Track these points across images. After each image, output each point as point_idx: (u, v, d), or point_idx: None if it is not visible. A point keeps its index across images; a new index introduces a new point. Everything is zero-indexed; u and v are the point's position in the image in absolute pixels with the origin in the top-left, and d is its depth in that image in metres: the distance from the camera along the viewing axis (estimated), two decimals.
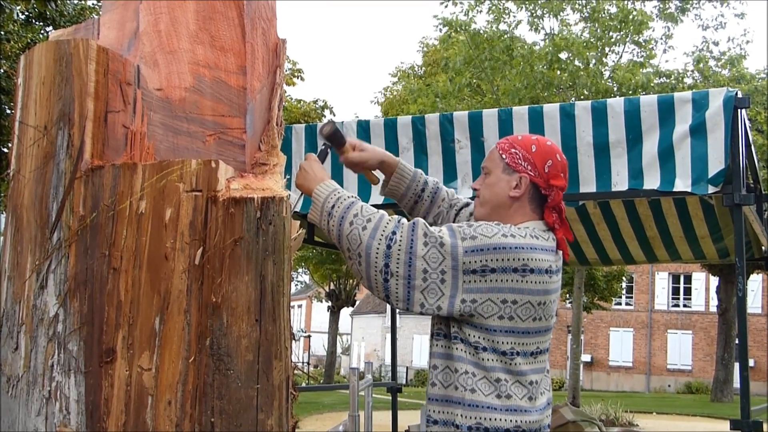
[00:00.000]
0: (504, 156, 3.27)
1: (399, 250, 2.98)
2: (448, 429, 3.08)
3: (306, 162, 3.34)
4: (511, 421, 3.01)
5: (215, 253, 2.59)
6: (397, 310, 8.99)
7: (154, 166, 2.65)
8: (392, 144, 6.60)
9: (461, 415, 3.04)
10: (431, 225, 3.25)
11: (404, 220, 3.06)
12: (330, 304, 41.48)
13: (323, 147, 3.57)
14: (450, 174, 6.43)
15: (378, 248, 2.99)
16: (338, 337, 47.93)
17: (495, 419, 3.01)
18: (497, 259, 2.99)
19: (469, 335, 3.05)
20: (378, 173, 3.76)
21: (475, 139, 6.36)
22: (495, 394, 3.01)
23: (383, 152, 3.74)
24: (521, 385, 3.05)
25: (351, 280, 38.73)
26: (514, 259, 3.01)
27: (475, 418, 3.02)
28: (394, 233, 3.00)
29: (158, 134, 2.81)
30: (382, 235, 3.00)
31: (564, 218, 3.29)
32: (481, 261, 2.98)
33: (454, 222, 3.69)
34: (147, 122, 2.79)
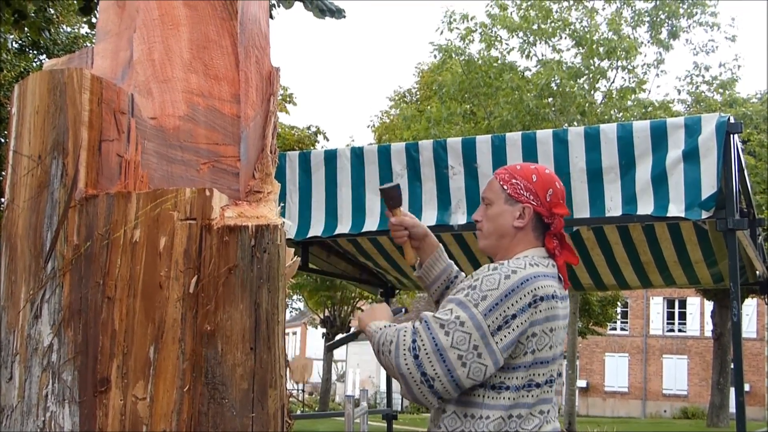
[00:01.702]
0: (505, 187, 3.29)
1: (427, 353, 2.98)
2: None
3: (378, 304, 3.46)
4: None
5: (210, 281, 2.59)
6: None
7: (149, 194, 2.65)
8: (386, 170, 6.62)
9: None
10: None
11: (417, 323, 3.07)
12: (325, 330, 41.38)
13: (402, 307, 3.61)
14: (444, 200, 6.44)
15: (407, 364, 2.99)
16: (333, 364, 47.80)
17: None
18: (512, 304, 3.01)
19: (494, 377, 3.06)
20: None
21: (468, 165, 6.38)
22: (503, 431, 3.03)
23: (427, 228, 3.77)
24: (533, 416, 3.08)
25: (345, 307, 38.66)
26: (525, 295, 3.03)
27: None
28: (414, 341, 3.00)
29: (152, 163, 2.81)
30: (404, 349, 3.01)
31: (565, 243, 3.33)
32: (501, 315, 3.00)
33: None
34: (141, 151, 2.79)
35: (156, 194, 2.65)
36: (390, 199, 3.62)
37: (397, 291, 10.60)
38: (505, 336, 2.99)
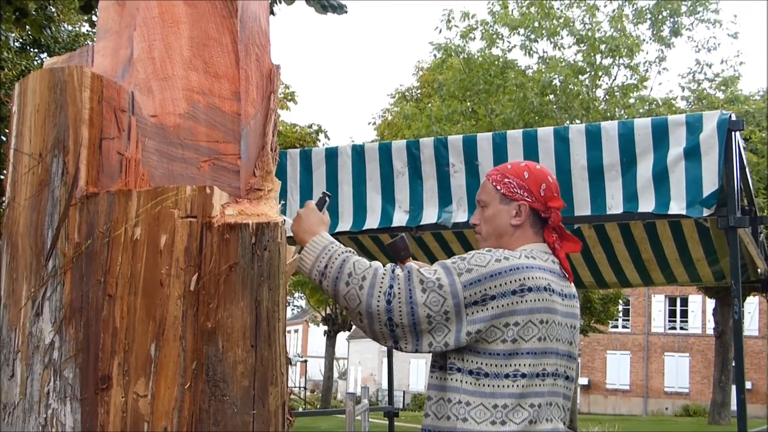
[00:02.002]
0: (499, 187, 3.31)
1: (400, 302, 3.03)
2: None
3: (303, 210, 3.36)
4: None
5: (210, 279, 2.59)
6: None
7: (149, 192, 2.65)
8: (387, 168, 6.63)
9: None
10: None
11: (398, 269, 3.11)
12: (326, 328, 41.41)
13: (322, 195, 3.57)
14: (445, 198, 6.45)
15: (378, 305, 3.04)
16: (335, 361, 47.81)
17: None
18: (495, 286, 3.03)
19: (470, 362, 3.07)
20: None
21: (469, 162, 6.39)
22: (490, 421, 3.02)
23: None
24: (522, 409, 3.04)
25: None
26: (510, 282, 3.04)
27: None
28: (391, 287, 3.05)
29: (153, 161, 2.81)
30: (380, 291, 3.05)
31: (565, 234, 3.35)
32: (480, 292, 3.03)
33: None
34: (141, 149, 2.79)
35: (157, 192, 2.65)
36: (398, 251, 3.61)
37: None
38: (477, 312, 3.02)
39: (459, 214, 6.45)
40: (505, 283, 3.03)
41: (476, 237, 3.43)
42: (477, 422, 3.02)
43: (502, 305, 3.02)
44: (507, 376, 3.04)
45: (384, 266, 3.13)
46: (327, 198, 3.55)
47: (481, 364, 3.05)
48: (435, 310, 3.01)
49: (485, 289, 3.02)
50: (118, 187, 2.72)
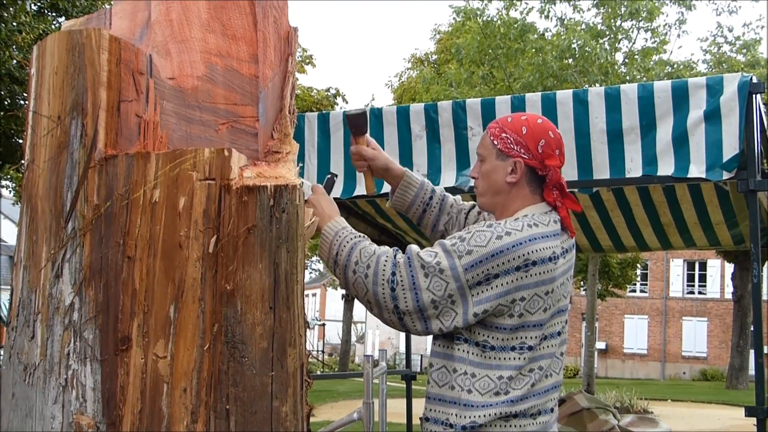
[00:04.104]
0: (496, 142, 3.25)
1: (403, 289, 3.01)
2: (443, 428, 3.10)
3: (314, 196, 3.35)
4: (503, 412, 3.02)
5: (229, 241, 2.60)
6: None
7: (168, 155, 2.66)
8: (405, 132, 6.60)
9: (455, 415, 3.06)
10: (442, 233, 3.49)
11: (399, 254, 3.08)
12: (344, 292, 41.50)
13: (329, 176, 3.57)
14: (463, 161, 6.43)
15: (383, 293, 3.03)
16: (353, 325, 47.96)
17: (489, 414, 3.02)
18: (498, 264, 2.99)
19: (478, 334, 3.06)
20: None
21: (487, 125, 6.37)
22: (494, 392, 3.02)
23: (390, 159, 3.74)
24: (523, 376, 3.05)
25: None
26: (514, 259, 3.00)
27: (470, 417, 3.03)
28: (393, 274, 3.02)
29: (171, 123, 2.81)
30: (383, 279, 3.03)
31: (566, 192, 3.27)
32: (483, 272, 2.99)
33: (464, 225, 3.69)
34: (160, 111, 2.79)
35: (175, 154, 2.66)
36: (354, 126, 3.61)
37: None
38: (482, 291, 2.99)
39: None
40: (508, 261, 2.99)
41: (475, 191, 3.40)
42: (481, 394, 3.02)
43: (507, 282, 3.00)
44: (513, 348, 3.04)
45: (386, 253, 3.09)
46: (334, 179, 3.56)
47: (488, 337, 3.04)
48: (439, 295, 2.99)
49: (488, 269, 2.99)
50: (136, 149, 2.72)
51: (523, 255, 3.00)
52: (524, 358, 3.04)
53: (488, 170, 3.27)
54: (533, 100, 6.27)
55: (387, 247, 3.13)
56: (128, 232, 2.63)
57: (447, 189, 6.41)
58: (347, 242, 3.14)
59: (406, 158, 6.55)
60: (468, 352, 3.06)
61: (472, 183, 6.30)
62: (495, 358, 3.04)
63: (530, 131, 3.21)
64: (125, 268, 2.62)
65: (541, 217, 3.16)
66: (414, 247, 3.09)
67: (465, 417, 3.03)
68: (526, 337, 3.04)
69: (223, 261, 2.60)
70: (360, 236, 3.18)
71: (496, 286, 2.99)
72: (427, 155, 6.52)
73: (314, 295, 73.86)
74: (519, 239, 3.02)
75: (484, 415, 3.00)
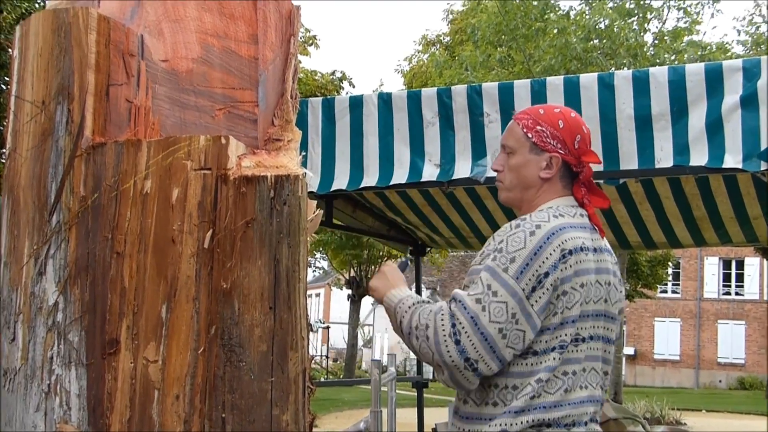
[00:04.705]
0: (530, 135, 3.29)
1: (468, 336, 3.00)
2: None
3: (386, 267, 3.47)
4: (536, 419, 3.05)
5: (226, 235, 2.61)
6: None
7: (160, 142, 2.66)
8: (416, 118, 6.60)
9: (489, 426, 3.08)
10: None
11: (452, 305, 3.08)
12: (350, 292, 41.49)
13: (405, 260, 3.69)
14: (479, 150, 6.42)
15: (449, 351, 3.02)
16: (359, 328, 47.98)
17: (522, 422, 3.05)
18: (543, 262, 3.04)
19: None
20: None
21: (505, 112, 6.34)
22: (529, 396, 3.05)
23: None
24: (556, 378, 3.08)
25: (373, 267, 38.62)
26: (553, 251, 3.06)
27: (501, 425, 3.06)
28: (453, 326, 3.02)
29: (164, 109, 2.82)
30: (445, 335, 3.03)
31: (594, 188, 3.34)
32: (533, 276, 3.04)
33: None
34: (152, 96, 2.80)
35: (168, 142, 2.66)
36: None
37: (429, 249, 10.61)
38: (540, 297, 3.02)
39: None
40: (550, 255, 3.05)
41: (497, 185, 3.43)
42: (517, 398, 3.05)
43: (556, 278, 3.05)
44: (553, 349, 3.08)
45: (442, 308, 3.10)
46: (408, 263, 3.68)
47: (533, 342, 3.07)
48: (503, 320, 3.00)
49: (536, 270, 3.03)
50: (126, 136, 2.73)
51: (559, 245, 3.07)
52: (558, 359, 3.08)
53: (519, 164, 3.32)
54: (555, 84, 6.27)
55: (442, 302, 3.16)
56: (117, 226, 2.64)
57: (461, 180, 6.44)
58: (406, 311, 3.21)
59: (418, 146, 6.55)
60: (510, 363, 3.08)
61: (489, 174, 6.32)
62: (536, 363, 3.07)
63: (567, 126, 3.29)
64: (114, 265, 2.63)
65: (567, 209, 3.24)
66: (459, 291, 3.12)
67: (497, 425, 3.06)
68: (564, 335, 3.10)
69: (219, 257, 2.61)
70: (422, 301, 3.24)
71: (549, 286, 3.04)
72: (440, 143, 6.52)
73: (318, 295, 73.79)
74: (550, 229, 3.09)
75: (518, 423, 3.04)
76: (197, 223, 2.61)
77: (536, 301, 3.02)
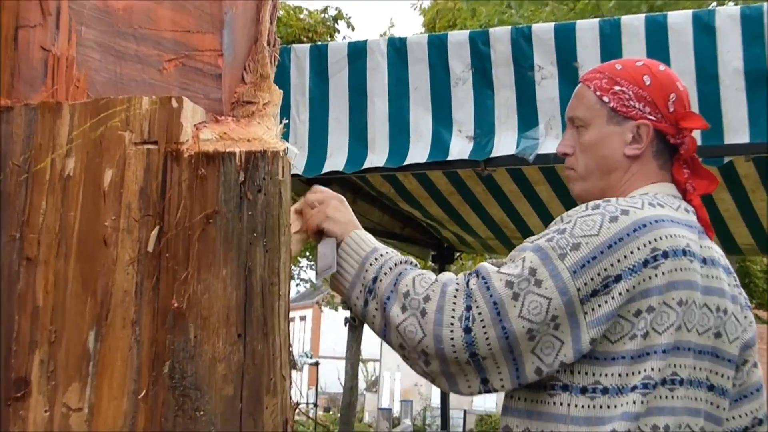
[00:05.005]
0: (606, 98, 3.26)
1: (484, 327, 2.90)
2: None
3: (316, 195, 3.32)
4: None
5: (178, 235, 2.61)
6: None
7: (88, 106, 2.67)
8: (441, 72, 6.60)
9: None
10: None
11: (473, 280, 2.99)
12: (348, 315, 41.42)
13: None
14: (528, 117, 6.40)
15: (453, 338, 2.91)
16: (361, 364, 47.88)
17: None
18: (619, 260, 2.95)
19: (584, 375, 2.99)
20: None
21: (565, 64, 6.33)
22: None
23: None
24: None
25: None
26: (639, 248, 2.97)
27: None
28: (468, 308, 2.92)
29: (93, 60, 2.82)
30: (452, 317, 2.92)
31: (700, 168, 3.29)
32: (599, 274, 2.94)
33: None
34: (76, 42, 2.80)
35: (98, 106, 2.66)
36: None
37: (458, 254, 10.62)
38: (599, 305, 2.94)
39: (549, 141, 6.37)
40: (632, 252, 2.96)
41: (567, 175, 3.40)
42: None
43: (633, 286, 2.95)
44: (634, 388, 2.96)
45: (454, 281, 3.02)
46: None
47: (600, 375, 2.97)
48: (537, 321, 2.89)
49: (606, 269, 2.94)
50: (41, 98, 2.73)
51: (650, 242, 2.98)
52: (642, 404, 2.95)
53: (595, 140, 3.28)
54: (633, 26, 6.25)
55: (452, 274, 3.09)
56: (28, 222, 2.64)
57: (503, 159, 6.44)
58: (392, 266, 3.12)
59: (442, 111, 6.55)
60: (570, 404, 3.00)
61: (542, 150, 6.30)
62: (609, 407, 2.96)
63: (656, 81, 3.24)
64: (23, 275, 2.62)
65: (667, 198, 3.19)
66: (488, 265, 3.03)
67: None
68: (650, 369, 2.97)
69: (169, 265, 2.61)
70: (410, 261, 3.18)
71: (619, 293, 2.94)
72: (473, 108, 6.52)
73: (303, 318, 73.90)
74: (642, 219, 3.02)
75: None
76: (138, 218, 2.62)
77: (592, 310, 2.93)
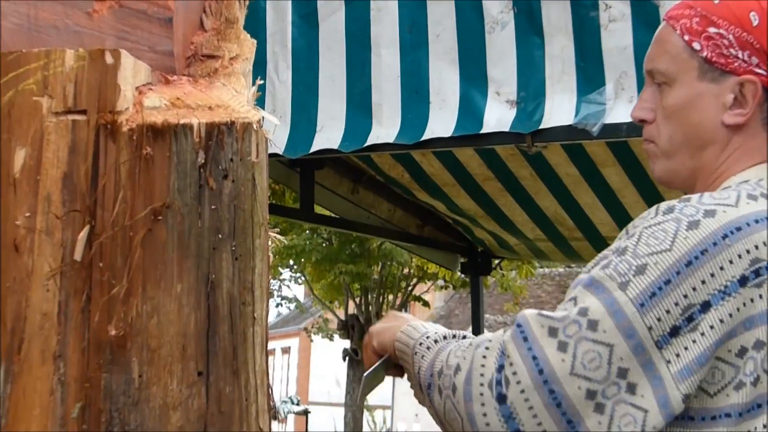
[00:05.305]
0: (696, 44, 3.13)
1: (524, 393, 2.73)
2: None
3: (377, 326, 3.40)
4: None
5: (115, 237, 2.61)
6: None
7: None
8: (472, 13, 6.58)
9: None
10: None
11: (509, 332, 2.86)
12: (349, 345, 41.34)
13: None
14: (591, 74, 6.37)
15: (486, 413, 2.78)
16: (367, 413, 47.88)
17: None
18: (703, 281, 2.78)
19: None
20: None
21: (640, 1, 6.32)
22: None
23: None
24: None
25: (389, 296, 38.48)
26: (732, 261, 2.80)
27: None
28: (501, 368, 2.78)
29: None
30: (481, 384, 2.80)
31: None
32: (676, 304, 2.76)
33: None
34: None
35: (6, 63, 2.67)
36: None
37: (497, 262, 10.60)
38: (686, 348, 2.75)
39: (620, 106, 6.34)
40: (722, 268, 2.79)
41: (646, 149, 3.30)
42: None
43: (729, 314, 2.78)
44: None
45: (487, 340, 2.90)
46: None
47: None
48: (598, 377, 2.72)
49: (686, 295, 2.76)
50: None
51: (748, 252, 2.81)
52: None
53: (681, 103, 3.16)
54: None
55: (491, 334, 2.96)
56: None
57: (557, 131, 6.43)
58: (432, 344, 3.10)
59: (474, 67, 6.54)
60: None
61: (610, 120, 6.29)
62: None
63: (765, 19, 3.11)
64: None
65: None
66: (530, 311, 2.87)
67: None
68: (757, 428, 2.85)
69: (103, 279, 2.61)
70: (459, 334, 3.16)
71: (710, 327, 2.77)
72: (516, 62, 6.51)
73: (287, 350, 73.94)
74: (735, 221, 2.84)
75: None
76: (61, 215, 2.62)
77: (677, 356, 2.75)
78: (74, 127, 2.63)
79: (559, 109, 6.34)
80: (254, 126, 2.66)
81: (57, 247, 2.61)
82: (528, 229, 9.48)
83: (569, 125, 6.26)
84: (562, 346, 2.73)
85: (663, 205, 2.92)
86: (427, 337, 3.12)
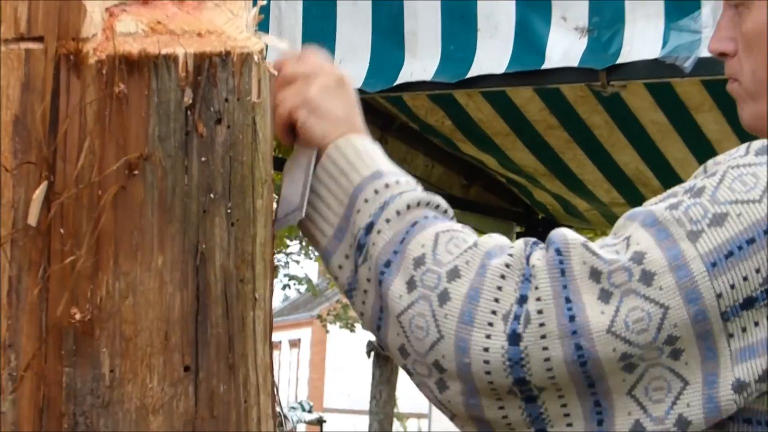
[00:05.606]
0: None
1: (545, 338, 2.67)
2: None
3: (293, 68, 3.13)
4: None
5: (79, 197, 2.61)
6: None
7: None
8: None
9: None
10: None
11: (539, 254, 2.77)
12: (372, 338, 41.14)
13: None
14: (673, 7, 6.37)
15: (488, 347, 2.69)
16: (397, 422, 47.94)
17: None
18: None
19: None
20: None
21: None
22: None
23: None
24: None
25: None
26: None
27: None
28: (523, 300, 2.70)
29: None
30: (493, 312, 2.70)
31: None
32: (758, 271, 2.70)
33: None
34: None
35: None
36: None
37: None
38: (756, 324, 2.70)
39: (703, 45, 6.35)
40: None
41: (730, 89, 3.23)
42: None
43: None
44: None
45: (503, 249, 2.81)
46: None
47: None
48: (641, 342, 2.66)
49: None
50: None
51: None
52: None
53: (762, 27, 3.09)
54: None
55: (503, 238, 2.90)
56: None
57: (639, 67, 6.44)
58: (404, 208, 2.90)
59: None
60: None
61: (704, 54, 6.28)
62: None
63: None
64: None
65: None
66: (566, 233, 2.79)
67: None
68: None
69: (65, 249, 2.62)
70: (437, 203, 2.98)
71: None
72: None
73: (295, 344, 74.00)
74: None
75: None
76: (12, 168, 2.63)
77: (743, 331, 2.70)
78: (28, 58, 2.64)
79: (642, 38, 6.34)
80: (255, 57, 2.66)
81: (6, 209, 2.62)
82: (602, 191, 9.46)
83: (655, 59, 6.25)
84: (605, 296, 2.66)
85: (756, 144, 2.85)
86: (387, 185, 2.91)
